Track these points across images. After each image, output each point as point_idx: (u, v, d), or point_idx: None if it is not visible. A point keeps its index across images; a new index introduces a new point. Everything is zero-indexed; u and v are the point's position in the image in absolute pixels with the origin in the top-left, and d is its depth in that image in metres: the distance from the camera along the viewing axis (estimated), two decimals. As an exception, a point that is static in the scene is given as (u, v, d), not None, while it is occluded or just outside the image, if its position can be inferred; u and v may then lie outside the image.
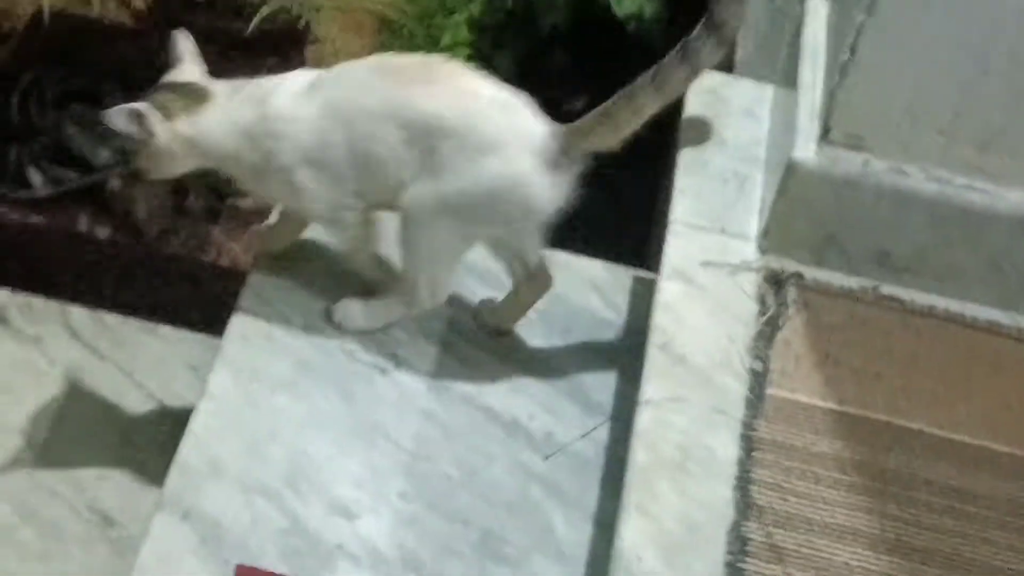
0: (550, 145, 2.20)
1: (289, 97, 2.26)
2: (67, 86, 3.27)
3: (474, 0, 3.81)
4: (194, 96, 2.26)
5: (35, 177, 3.20)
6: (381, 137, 2.21)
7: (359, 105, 2.23)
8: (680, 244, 2.31)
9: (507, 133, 2.19)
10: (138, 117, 2.22)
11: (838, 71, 2.17)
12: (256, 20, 2.91)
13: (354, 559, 2.12)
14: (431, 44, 3.67)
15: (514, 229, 2.31)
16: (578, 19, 3.55)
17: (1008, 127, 2.14)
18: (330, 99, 2.25)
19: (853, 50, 2.13)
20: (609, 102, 2.19)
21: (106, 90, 3.16)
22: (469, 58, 3.64)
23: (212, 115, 2.26)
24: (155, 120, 2.23)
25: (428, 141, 2.19)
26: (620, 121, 2.20)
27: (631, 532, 2.00)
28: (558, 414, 2.33)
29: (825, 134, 2.19)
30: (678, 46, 2.17)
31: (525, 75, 3.61)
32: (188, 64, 2.31)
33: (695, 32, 2.17)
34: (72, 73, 3.26)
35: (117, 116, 2.23)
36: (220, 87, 2.29)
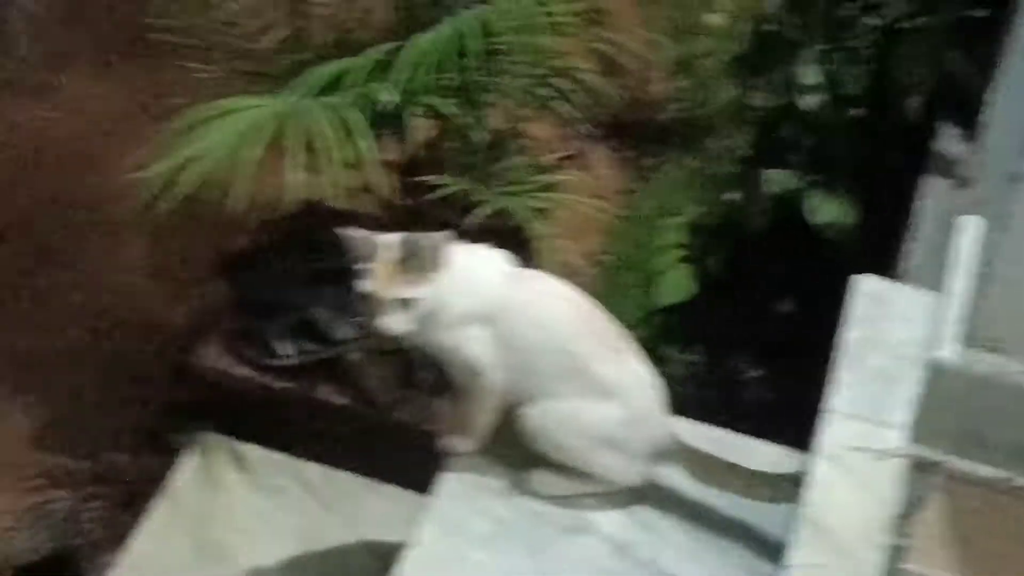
0: (665, 439, 2.57)
1: (495, 271, 2.54)
2: (317, 268, 3.53)
3: (691, 204, 4.09)
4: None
5: (282, 347, 3.51)
6: (547, 354, 2.52)
7: (545, 322, 2.53)
8: (833, 431, 2.50)
9: (644, 409, 2.56)
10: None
11: (978, 281, 2.37)
12: (474, 216, 3.17)
13: None
14: (645, 245, 3.94)
15: None
16: (779, 225, 3.77)
17: None
18: (526, 296, 2.54)
19: (990, 263, 2.33)
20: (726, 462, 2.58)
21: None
22: (684, 259, 3.91)
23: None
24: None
25: (585, 382, 2.52)
26: (717, 478, 2.59)
27: None
28: (728, 583, 2.55)
29: (967, 338, 2.37)
30: None
31: (733, 272, 3.86)
32: None
33: None
34: (321, 258, 3.49)
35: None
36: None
